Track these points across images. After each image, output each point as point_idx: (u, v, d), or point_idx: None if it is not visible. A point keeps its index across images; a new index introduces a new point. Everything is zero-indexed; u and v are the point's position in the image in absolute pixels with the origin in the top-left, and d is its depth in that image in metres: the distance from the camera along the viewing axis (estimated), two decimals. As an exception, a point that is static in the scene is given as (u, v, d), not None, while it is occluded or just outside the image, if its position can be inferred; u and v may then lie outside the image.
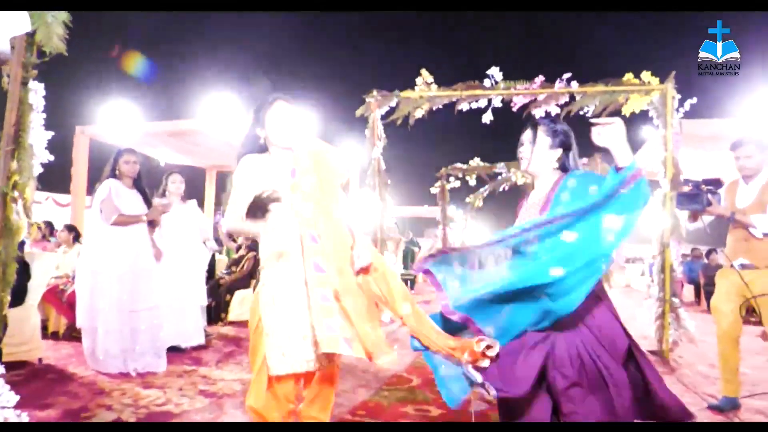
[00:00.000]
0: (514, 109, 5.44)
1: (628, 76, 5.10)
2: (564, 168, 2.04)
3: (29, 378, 3.58)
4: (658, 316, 4.94)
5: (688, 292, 10.55)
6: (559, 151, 2.02)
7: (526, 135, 2.06)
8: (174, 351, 4.35)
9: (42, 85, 1.95)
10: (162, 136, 7.94)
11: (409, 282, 12.40)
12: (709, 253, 10.35)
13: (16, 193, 1.84)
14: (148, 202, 4.11)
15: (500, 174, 10.45)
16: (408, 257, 12.28)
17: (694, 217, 3.41)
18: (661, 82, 5.00)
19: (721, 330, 3.29)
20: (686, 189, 3.32)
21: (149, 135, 7.90)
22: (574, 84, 5.21)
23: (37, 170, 1.91)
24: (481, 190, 12.00)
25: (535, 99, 5.34)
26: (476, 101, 5.48)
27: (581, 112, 5.24)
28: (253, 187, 2.10)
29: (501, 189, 10.89)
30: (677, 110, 5.01)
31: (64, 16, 1.96)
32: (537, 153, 2.02)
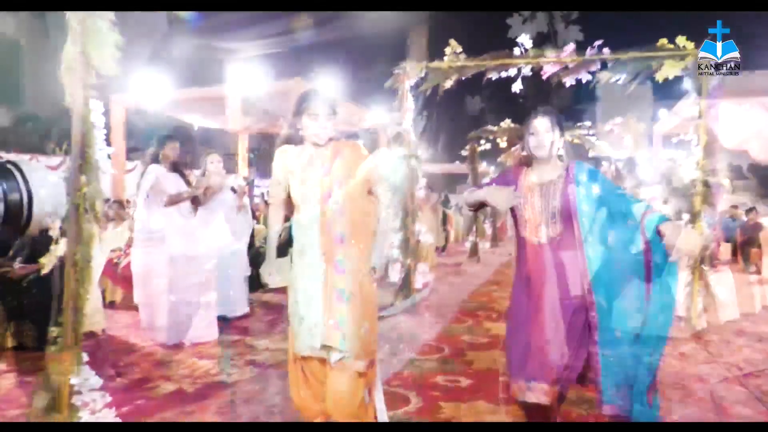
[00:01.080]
0: (544, 78, 5.41)
1: (662, 42, 4.98)
2: None
3: (96, 349, 3.97)
4: (688, 283, 5.01)
5: (725, 250, 10.37)
6: (562, 138, 2.21)
7: (541, 124, 2.17)
8: (220, 320, 4.69)
9: (101, 103, 2.16)
10: (192, 102, 8.20)
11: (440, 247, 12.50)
12: (748, 211, 10.09)
13: (87, 204, 2.07)
14: (187, 183, 4.36)
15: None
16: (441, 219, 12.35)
17: None
18: (697, 47, 4.87)
19: None
20: None
21: (181, 101, 8.16)
22: (606, 51, 5.12)
23: (104, 182, 2.14)
24: (513, 149, 11.92)
25: (566, 67, 5.28)
26: (506, 70, 5.46)
27: (612, 80, 5.19)
28: (286, 179, 2.31)
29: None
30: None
31: (117, 38, 2.14)
32: (556, 141, 2.18)
